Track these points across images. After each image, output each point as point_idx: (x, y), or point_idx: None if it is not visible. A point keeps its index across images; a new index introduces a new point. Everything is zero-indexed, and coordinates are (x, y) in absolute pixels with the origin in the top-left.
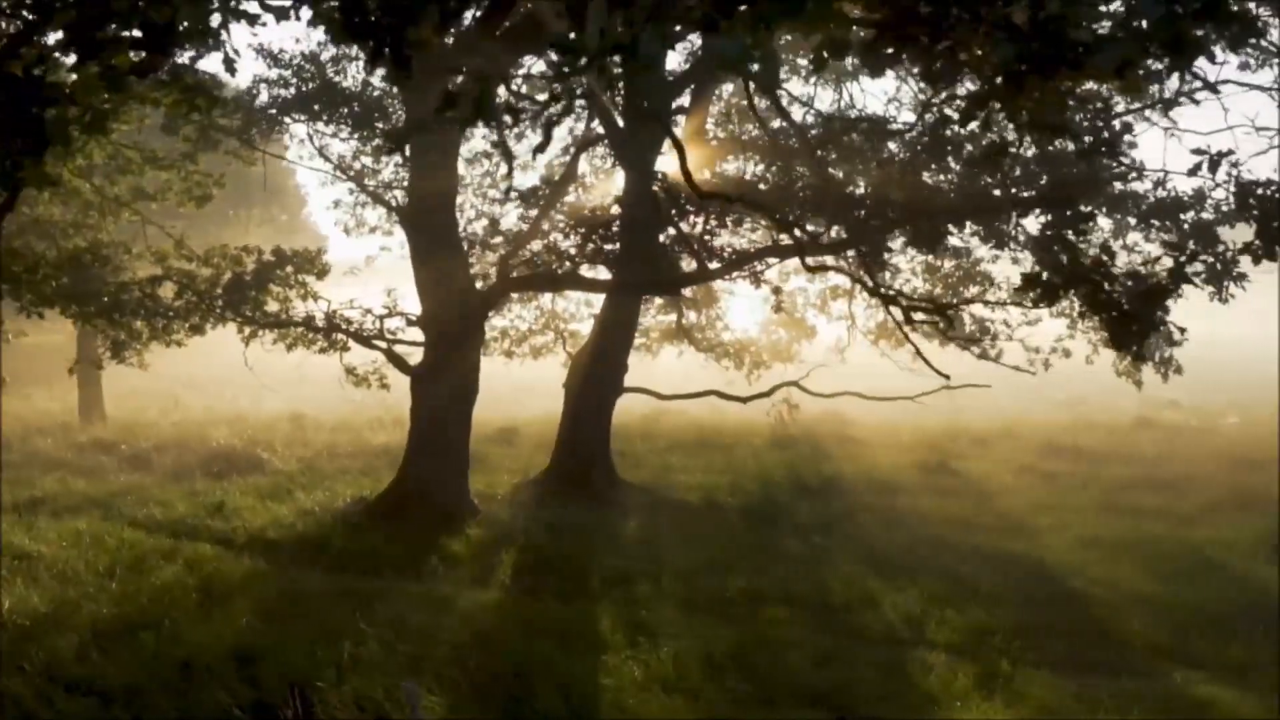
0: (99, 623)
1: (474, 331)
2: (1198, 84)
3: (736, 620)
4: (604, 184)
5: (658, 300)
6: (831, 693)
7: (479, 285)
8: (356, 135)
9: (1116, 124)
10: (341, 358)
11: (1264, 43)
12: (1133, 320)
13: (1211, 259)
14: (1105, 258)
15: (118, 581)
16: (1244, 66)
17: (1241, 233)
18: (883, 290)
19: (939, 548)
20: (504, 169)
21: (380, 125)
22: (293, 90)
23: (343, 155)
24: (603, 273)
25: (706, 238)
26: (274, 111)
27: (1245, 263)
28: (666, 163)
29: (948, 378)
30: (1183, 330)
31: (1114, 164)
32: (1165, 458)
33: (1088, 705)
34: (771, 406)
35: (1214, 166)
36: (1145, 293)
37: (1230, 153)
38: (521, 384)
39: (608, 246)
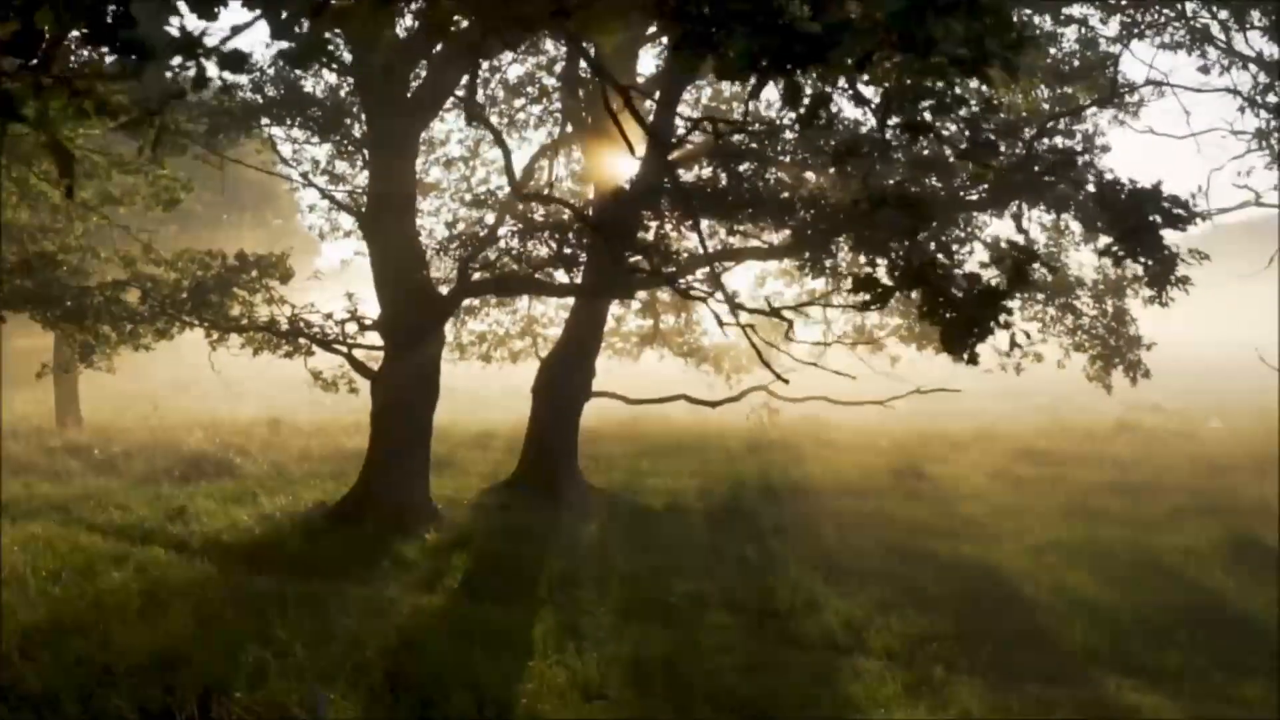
0: (31, 628)
1: (434, 335)
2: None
3: (676, 625)
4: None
5: (635, 304)
6: (755, 699)
7: (442, 289)
8: (321, 140)
9: (990, 126)
10: (306, 362)
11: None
12: (970, 323)
13: (1151, 262)
14: (944, 258)
15: (61, 586)
16: (1203, 70)
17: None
18: (691, 291)
19: (894, 553)
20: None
21: (346, 128)
22: (259, 95)
23: (316, 159)
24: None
25: (662, 242)
26: (235, 116)
27: (1188, 266)
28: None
29: (786, 381)
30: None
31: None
32: (1139, 462)
33: (1013, 712)
34: (751, 410)
35: (1061, 167)
36: (979, 295)
37: (1082, 153)
38: (507, 388)
39: (565, 250)
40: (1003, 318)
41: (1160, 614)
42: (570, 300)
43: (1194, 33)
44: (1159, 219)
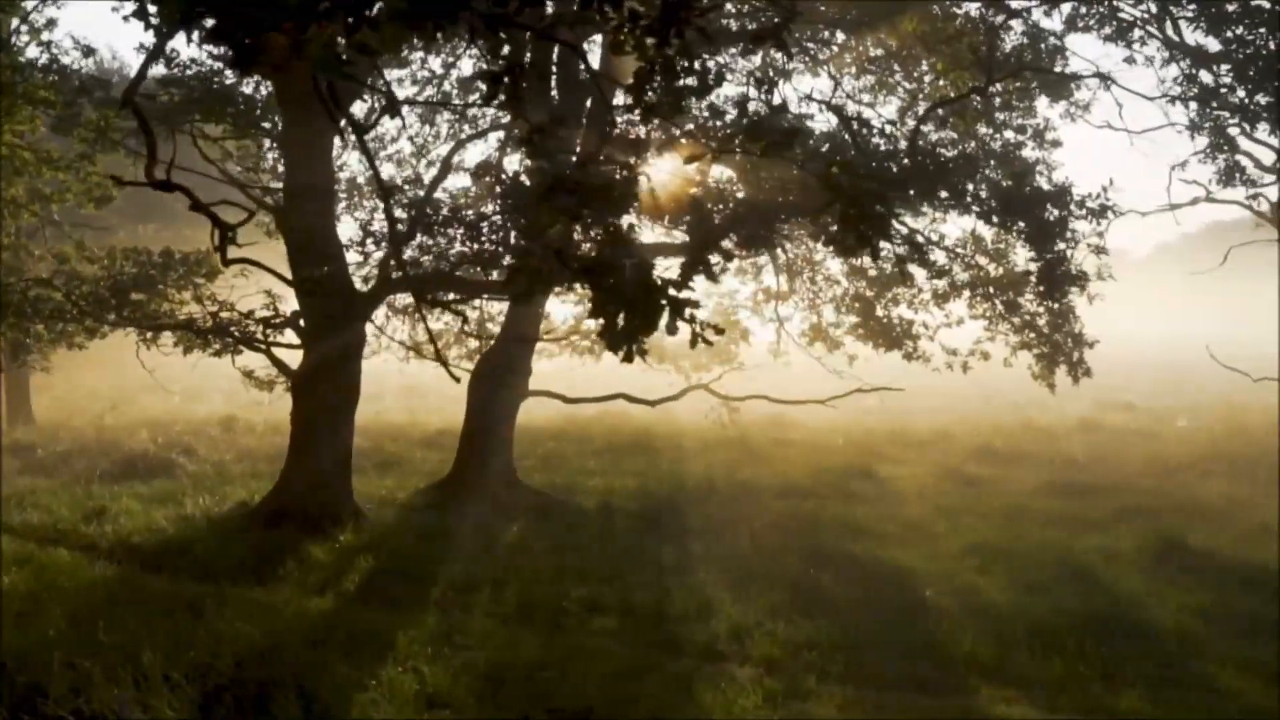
0: None
1: (352, 334)
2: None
3: (558, 630)
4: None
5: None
6: (605, 709)
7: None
8: (239, 136)
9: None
10: (234, 360)
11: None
12: (638, 319)
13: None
14: (617, 246)
15: None
16: (1129, 60)
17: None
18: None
19: (811, 556)
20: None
21: (264, 125)
22: (183, 92)
23: (257, 157)
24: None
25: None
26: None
27: (1086, 264)
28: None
29: (457, 380)
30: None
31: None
32: (1095, 462)
33: None
34: (710, 409)
35: (783, 145)
36: (640, 286)
37: (797, 131)
38: None
39: (477, 246)
40: (688, 312)
41: (1059, 620)
42: None
43: (1121, 23)
44: (875, 202)
